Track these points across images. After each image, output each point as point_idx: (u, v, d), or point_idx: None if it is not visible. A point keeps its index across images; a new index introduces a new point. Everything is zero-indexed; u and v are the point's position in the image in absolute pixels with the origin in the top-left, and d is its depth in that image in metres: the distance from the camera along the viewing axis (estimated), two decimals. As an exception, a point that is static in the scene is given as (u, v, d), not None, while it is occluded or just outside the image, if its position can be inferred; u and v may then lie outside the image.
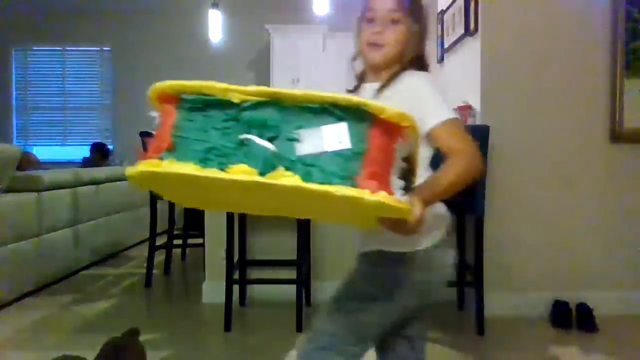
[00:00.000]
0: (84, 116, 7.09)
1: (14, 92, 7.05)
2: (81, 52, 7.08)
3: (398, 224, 0.91)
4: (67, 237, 3.67)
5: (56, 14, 6.80)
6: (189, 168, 0.80)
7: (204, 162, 0.81)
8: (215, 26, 5.07)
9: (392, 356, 1.31)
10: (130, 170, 0.84)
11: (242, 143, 0.82)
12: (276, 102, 0.83)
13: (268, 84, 6.42)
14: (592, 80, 2.84)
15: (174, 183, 0.90)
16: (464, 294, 2.99)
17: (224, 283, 2.62)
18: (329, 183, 0.78)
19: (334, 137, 0.81)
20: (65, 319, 2.82)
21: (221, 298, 2.63)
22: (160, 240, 3.63)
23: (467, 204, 2.58)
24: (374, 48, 1.19)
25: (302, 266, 2.69)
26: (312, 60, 6.46)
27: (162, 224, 3.74)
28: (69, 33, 6.90)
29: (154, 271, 3.52)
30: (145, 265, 3.51)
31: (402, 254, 1.14)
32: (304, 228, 2.71)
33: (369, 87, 1.22)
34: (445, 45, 3.59)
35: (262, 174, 0.79)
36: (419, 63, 1.22)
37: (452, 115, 1.11)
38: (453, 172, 1.03)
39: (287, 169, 0.79)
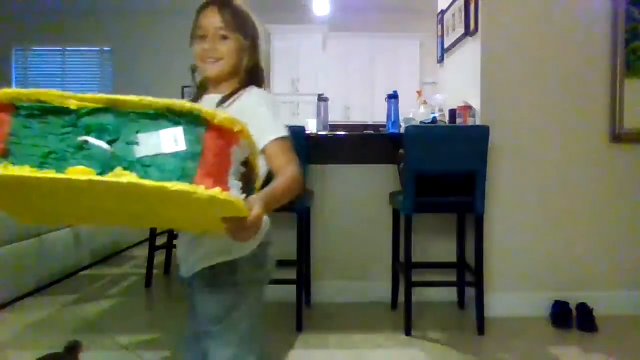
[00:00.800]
0: (84, 116, 7.09)
1: (14, 92, 7.05)
2: (81, 52, 7.08)
3: (239, 224, 0.94)
4: (67, 237, 3.67)
5: (56, 14, 6.80)
6: (25, 170, 0.80)
7: (41, 165, 0.82)
8: (215, 26, 5.07)
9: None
10: None
11: (81, 147, 0.84)
12: (113, 109, 0.86)
13: (268, 84, 6.42)
14: (592, 80, 2.84)
15: (10, 191, 0.89)
16: (464, 294, 3.00)
17: (224, 283, 2.62)
18: (166, 181, 0.81)
19: (171, 139, 0.85)
20: (65, 319, 2.82)
21: (221, 298, 2.63)
22: (160, 240, 3.63)
23: (467, 204, 2.58)
24: (207, 63, 1.27)
25: (302, 266, 2.69)
26: (312, 60, 6.46)
27: (162, 224, 3.74)
28: (69, 33, 6.90)
29: (154, 271, 3.52)
30: (145, 265, 3.51)
31: (232, 261, 1.22)
32: (304, 228, 2.71)
33: (209, 99, 1.28)
34: (445, 45, 3.58)
35: (100, 174, 0.81)
36: (255, 74, 1.31)
37: (283, 133, 1.20)
38: (285, 185, 1.12)
39: (125, 169, 0.82)
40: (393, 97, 3.12)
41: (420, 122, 3.11)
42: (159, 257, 3.74)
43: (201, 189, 0.81)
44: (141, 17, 6.78)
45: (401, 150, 2.68)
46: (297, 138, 2.50)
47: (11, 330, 2.64)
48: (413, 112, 3.28)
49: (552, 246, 2.86)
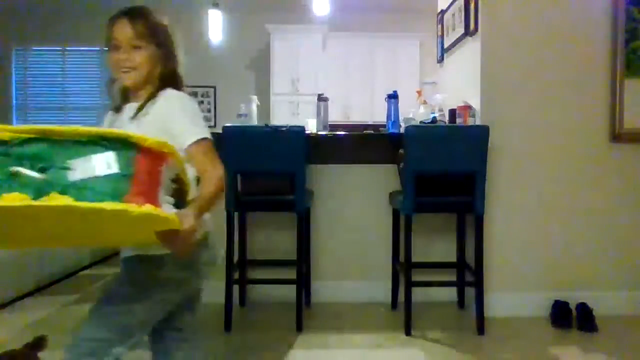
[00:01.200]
0: (84, 116, 7.08)
1: (14, 92, 7.05)
2: (81, 52, 7.07)
3: (173, 237, 1.01)
4: (67, 237, 3.67)
5: (56, 14, 6.80)
6: None
7: None
8: (215, 26, 5.06)
9: (162, 347, 1.42)
10: None
11: (15, 175, 0.88)
12: (47, 138, 0.91)
13: (268, 84, 6.43)
14: (592, 80, 2.84)
15: None
16: (464, 294, 3.00)
17: (224, 283, 2.62)
18: (101, 201, 0.86)
19: (104, 163, 0.91)
20: (65, 319, 2.82)
21: (221, 298, 2.63)
22: (160, 240, 3.63)
23: (467, 204, 2.58)
24: (122, 73, 1.30)
25: (302, 266, 2.69)
26: (312, 60, 6.46)
27: (162, 224, 3.74)
28: (69, 33, 6.89)
29: (154, 271, 3.52)
30: (145, 265, 3.51)
31: (158, 256, 1.23)
32: (304, 228, 2.71)
33: (129, 107, 1.31)
34: (445, 45, 3.58)
35: (35, 199, 0.85)
36: (172, 79, 1.34)
37: (203, 134, 1.24)
38: (212, 190, 1.18)
39: (61, 193, 0.87)
40: (393, 97, 3.12)
41: (420, 122, 3.11)
42: (159, 257, 3.74)
43: (135, 207, 0.87)
44: (141, 17, 6.78)
45: (401, 150, 2.68)
46: (297, 138, 2.53)
47: (11, 330, 2.64)
48: (413, 112, 3.28)
49: (552, 246, 2.86)
